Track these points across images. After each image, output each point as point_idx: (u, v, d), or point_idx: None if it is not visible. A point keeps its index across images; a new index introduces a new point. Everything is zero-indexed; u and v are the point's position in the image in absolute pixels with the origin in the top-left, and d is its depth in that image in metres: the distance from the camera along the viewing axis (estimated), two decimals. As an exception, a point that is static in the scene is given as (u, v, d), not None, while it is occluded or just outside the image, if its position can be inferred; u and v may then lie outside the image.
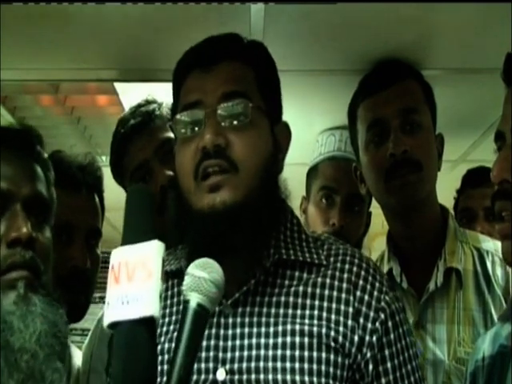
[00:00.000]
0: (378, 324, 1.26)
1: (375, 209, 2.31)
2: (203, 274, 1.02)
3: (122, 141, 2.00)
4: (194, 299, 1.00)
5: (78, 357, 1.89)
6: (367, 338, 1.25)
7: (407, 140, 1.84)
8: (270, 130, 1.36)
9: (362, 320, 1.26)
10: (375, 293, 1.29)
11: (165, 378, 0.96)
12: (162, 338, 1.31)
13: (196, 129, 1.30)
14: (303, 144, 2.17)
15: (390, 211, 1.97)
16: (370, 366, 1.24)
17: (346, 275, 1.30)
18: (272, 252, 1.30)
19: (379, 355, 1.25)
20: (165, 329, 1.33)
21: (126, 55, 2.06)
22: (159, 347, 1.28)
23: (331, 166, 2.37)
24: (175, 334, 1.26)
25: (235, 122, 1.29)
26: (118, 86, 2.46)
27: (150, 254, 0.97)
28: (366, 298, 1.28)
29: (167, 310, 1.36)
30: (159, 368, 1.23)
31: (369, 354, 1.24)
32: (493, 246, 1.88)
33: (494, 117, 2.22)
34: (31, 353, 1.16)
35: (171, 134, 2.00)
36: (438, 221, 1.94)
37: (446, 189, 2.23)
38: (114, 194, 2.05)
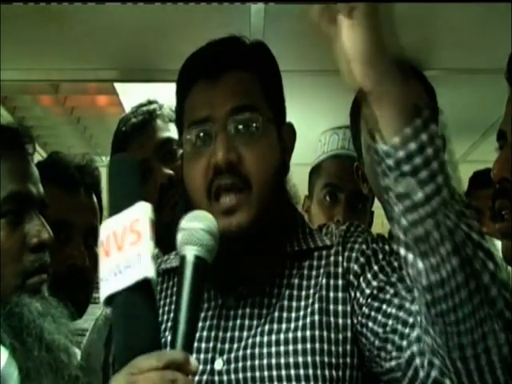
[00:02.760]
0: (362, 267, 1.22)
1: (375, 209, 2.31)
2: (194, 224, 1.00)
3: (122, 139, 2.00)
4: (190, 252, 0.97)
5: (76, 356, 1.89)
6: (358, 284, 1.21)
7: None
8: (277, 136, 1.35)
9: (350, 277, 1.23)
10: (356, 246, 1.24)
11: (169, 337, 0.93)
12: (163, 326, 1.31)
13: (206, 144, 1.28)
14: (304, 144, 2.15)
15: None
16: (363, 304, 1.19)
17: (340, 258, 1.28)
18: (280, 259, 1.30)
19: (370, 285, 1.19)
20: (165, 317, 1.33)
21: (125, 56, 2.06)
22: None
23: (335, 163, 2.36)
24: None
25: (247, 137, 1.28)
26: (118, 86, 2.46)
27: (135, 216, 0.92)
28: (354, 255, 1.23)
29: (166, 308, 1.36)
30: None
31: (359, 294, 1.20)
32: (493, 245, 1.87)
33: (494, 117, 2.22)
34: (66, 350, 1.20)
35: (171, 134, 2.00)
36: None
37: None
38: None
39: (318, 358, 1.21)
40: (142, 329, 0.88)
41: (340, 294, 1.25)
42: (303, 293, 1.28)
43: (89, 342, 1.99)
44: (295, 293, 1.28)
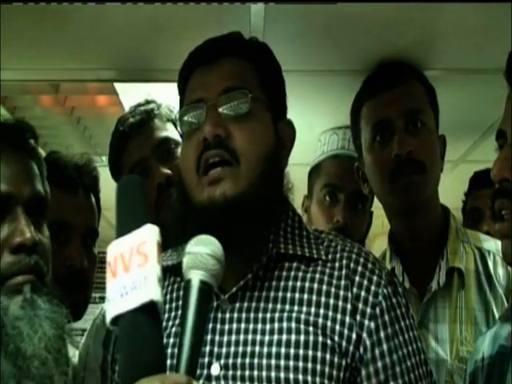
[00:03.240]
0: (373, 320, 1.25)
1: (375, 209, 2.31)
2: (200, 248, 1.01)
3: (120, 139, 2.01)
4: (196, 276, 0.97)
5: (74, 356, 1.89)
6: (364, 334, 1.24)
7: (411, 141, 1.84)
8: (272, 124, 1.37)
9: (358, 317, 1.25)
10: (372, 287, 1.27)
11: (174, 361, 0.93)
12: (167, 332, 1.31)
13: (198, 123, 1.31)
14: (303, 144, 2.16)
15: (392, 211, 1.97)
16: (368, 362, 1.23)
17: (343, 272, 1.29)
18: (270, 246, 1.30)
19: (377, 350, 1.23)
20: (170, 323, 1.33)
21: (126, 55, 2.06)
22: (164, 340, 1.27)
23: (335, 163, 2.37)
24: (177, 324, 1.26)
25: (235, 113, 1.30)
26: (118, 86, 2.46)
27: (143, 238, 0.93)
28: (363, 294, 1.26)
29: (167, 306, 1.36)
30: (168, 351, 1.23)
31: (362, 350, 1.23)
32: (494, 245, 1.88)
33: (494, 117, 2.22)
34: (41, 359, 1.15)
35: (169, 134, 2.01)
36: (439, 221, 1.94)
37: (447, 189, 2.23)
38: (113, 193, 2.05)
39: (318, 366, 1.21)
40: (147, 351, 0.89)
41: (340, 303, 1.26)
42: (297, 295, 1.28)
43: (87, 341, 2.00)
44: (288, 295, 1.29)
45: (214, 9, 1.74)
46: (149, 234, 0.93)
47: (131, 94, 2.44)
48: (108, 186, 2.00)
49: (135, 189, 1.03)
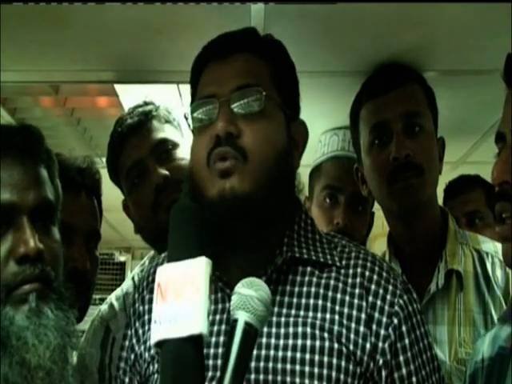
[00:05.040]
0: (390, 329, 1.24)
1: (376, 210, 2.31)
2: (250, 291, 1.01)
3: (118, 140, 2.02)
4: (242, 317, 0.99)
5: (73, 357, 1.89)
6: (380, 344, 1.23)
7: (410, 144, 1.85)
8: (284, 124, 1.36)
9: (374, 326, 1.24)
10: (388, 297, 1.27)
11: None
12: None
13: (210, 119, 1.31)
14: (303, 145, 2.17)
15: (391, 213, 1.97)
16: (383, 373, 1.22)
17: (358, 280, 1.28)
18: (285, 250, 1.30)
19: (393, 361, 1.23)
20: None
21: (126, 57, 2.06)
22: None
23: (335, 165, 2.37)
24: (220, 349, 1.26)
25: (248, 111, 1.29)
26: (118, 87, 2.46)
27: (197, 271, 0.96)
28: (379, 303, 1.26)
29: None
30: None
31: (381, 361, 1.22)
32: (492, 247, 1.88)
33: (494, 118, 2.22)
34: (46, 370, 1.15)
35: (167, 135, 2.02)
36: (438, 223, 1.95)
37: (446, 190, 2.23)
38: (114, 195, 2.05)
39: (333, 373, 1.21)
40: (189, 380, 0.92)
41: (355, 313, 1.25)
42: (311, 301, 1.27)
43: (85, 343, 2.00)
44: (303, 300, 1.27)
45: (214, 10, 1.74)
46: (203, 267, 0.97)
47: (131, 96, 2.44)
48: (109, 188, 2.01)
49: (193, 215, 1.06)
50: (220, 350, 1.22)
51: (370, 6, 1.72)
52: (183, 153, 2.00)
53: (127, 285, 2.14)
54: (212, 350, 1.23)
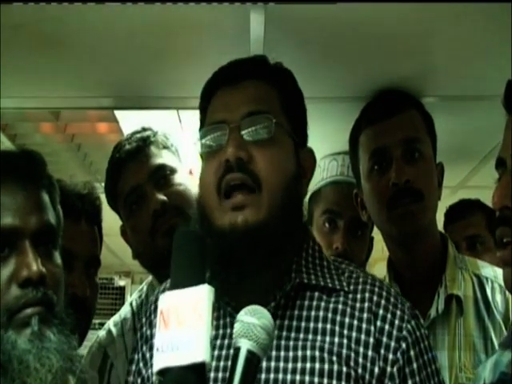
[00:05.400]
0: (399, 354, 1.24)
1: (375, 234, 2.31)
2: (253, 319, 1.01)
3: (116, 166, 2.02)
4: (245, 345, 0.99)
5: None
6: (388, 368, 1.22)
7: (409, 169, 1.85)
8: (294, 151, 1.36)
9: (382, 351, 1.23)
10: (396, 321, 1.26)
11: None
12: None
13: (220, 145, 1.31)
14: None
15: (391, 238, 1.97)
16: None
17: (366, 304, 1.28)
18: (293, 276, 1.30)
19: (400, 374, 1.23)
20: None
21: (125, 83, 2.07)
22: None
23: (334, 190, 2.37)
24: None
25: (258, 137, 1.30)
26: (118, 113, 2.48)
27: (199, 298, 0.96)
28: (387, 327, 1.26)
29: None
30: None
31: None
32: (492, 272, 1.88)
33: (493, 143, 2.23)
34: None
35: (165, 160, 2.02)
36: (438, 248, 1.95)
37: (446, 215, 2.23)
38: (114, 220, 2.05)
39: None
40: None
41: (363, 337, 1.25)
42: (319, 325, 1.27)
43: (83, 368, 1.99)
44: (311, 324, 1.27)
45: (214, 37, 1.75)
46: (206, 294, 0.97)
47: (131, 122, 2.45)
48: (109, 212, 2.01)
49: (196, 242, 1.06)
50: (227, 375, 1.22)
51: (369, 32, 1.74)
52: (181, 178, 2.01)
53: (125, 311, 2.14)
54: (220, 374, 1.24)
